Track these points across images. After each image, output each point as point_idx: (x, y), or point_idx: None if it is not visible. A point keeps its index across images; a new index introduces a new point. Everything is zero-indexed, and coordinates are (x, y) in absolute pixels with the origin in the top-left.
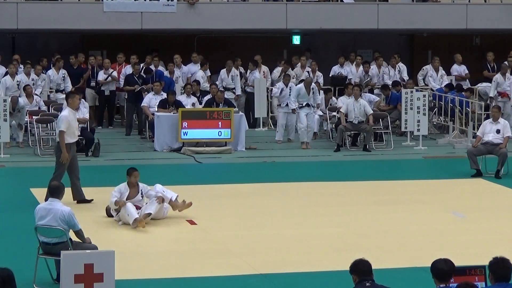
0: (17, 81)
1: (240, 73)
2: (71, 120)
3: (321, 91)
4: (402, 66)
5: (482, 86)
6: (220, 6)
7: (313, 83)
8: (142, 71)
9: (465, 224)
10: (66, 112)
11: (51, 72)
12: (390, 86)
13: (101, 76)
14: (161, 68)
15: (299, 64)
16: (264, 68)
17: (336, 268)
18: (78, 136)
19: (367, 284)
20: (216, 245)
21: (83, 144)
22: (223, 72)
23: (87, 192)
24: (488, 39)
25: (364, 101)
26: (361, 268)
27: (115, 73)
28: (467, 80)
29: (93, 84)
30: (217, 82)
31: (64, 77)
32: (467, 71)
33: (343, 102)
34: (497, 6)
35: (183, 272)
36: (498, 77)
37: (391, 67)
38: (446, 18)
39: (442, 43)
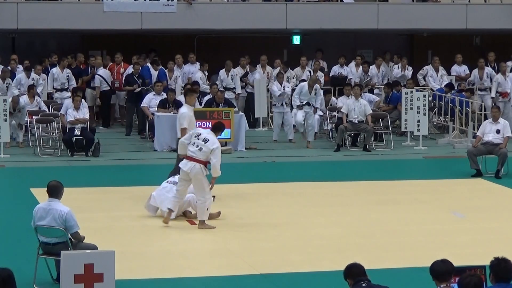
0: (7, 83)
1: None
2: (191, 116)
3: (321, 91)
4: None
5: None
6: (220, 6)
7: (316, 84)
8: (150, 62)
9: (465, 224)
10: (185, 109)
11: (56, 70)
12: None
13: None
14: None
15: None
16: (269, 68)
17: (336, 268)
18: (78, 136)
19: (363, 284)
20: (216, 245)
21: (83, 144)
22: (222, 72)
23: (87, 192)
24: (488, 39)
25: (364, 101)
26: (355, 271)
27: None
28: (467, 80)
29: (93, 85)
30: (217, 82)
31: (68, 76)
32: (468, 72)
33: (343, 102)
34: (497, 6)
35: (183, 272)
36: (498, 77)
37: (402, 67)
38: (446, 18)
39: (442, 43)
